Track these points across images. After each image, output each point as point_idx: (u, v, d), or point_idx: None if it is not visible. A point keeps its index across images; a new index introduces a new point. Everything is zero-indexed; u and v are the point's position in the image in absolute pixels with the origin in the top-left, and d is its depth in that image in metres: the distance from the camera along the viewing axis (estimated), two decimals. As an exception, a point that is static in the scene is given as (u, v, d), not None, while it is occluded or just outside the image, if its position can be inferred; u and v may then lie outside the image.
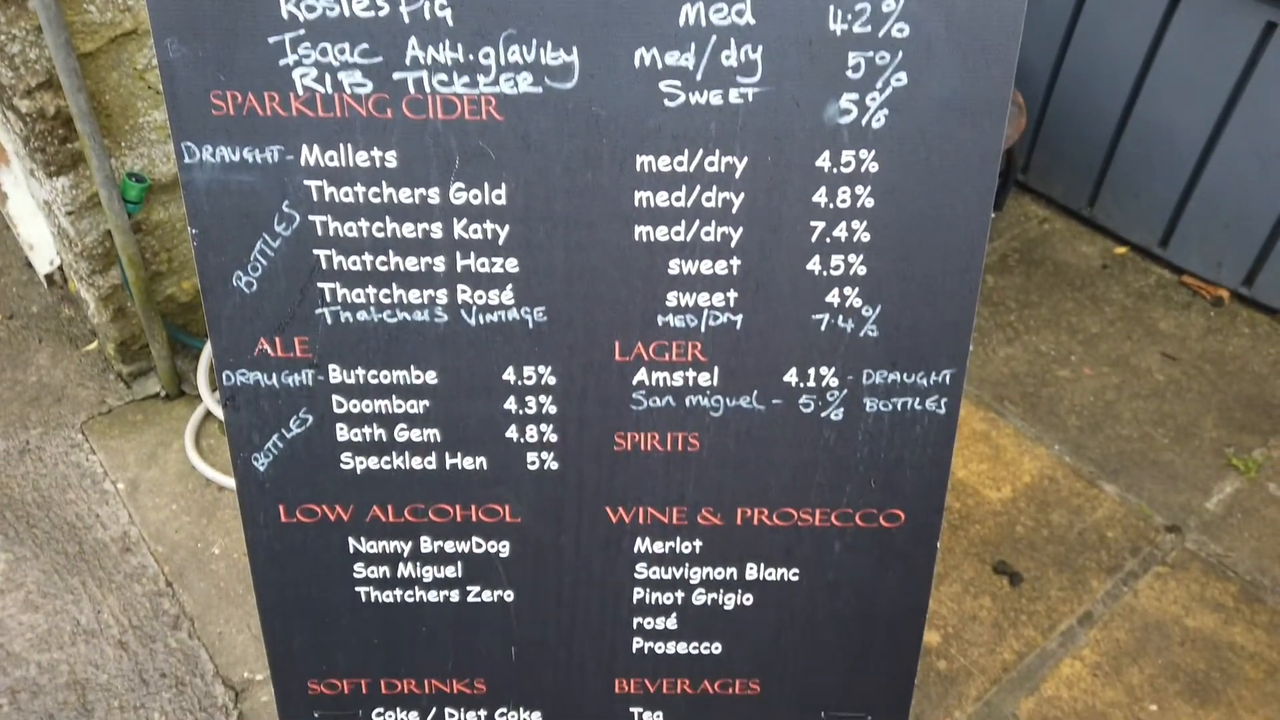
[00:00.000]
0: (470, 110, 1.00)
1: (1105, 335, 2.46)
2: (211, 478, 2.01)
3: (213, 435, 2.12)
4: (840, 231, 1.05)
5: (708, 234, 1.06)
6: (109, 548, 1.89)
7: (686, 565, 1.21)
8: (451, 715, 1.29)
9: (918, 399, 1.13)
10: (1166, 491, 2.06)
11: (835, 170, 1.03)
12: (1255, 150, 2.38)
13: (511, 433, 1.15)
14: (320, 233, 1.06)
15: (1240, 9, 2.26)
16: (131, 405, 2.20)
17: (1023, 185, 2.98)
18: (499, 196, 1.04)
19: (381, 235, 1.06)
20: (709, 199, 1.04)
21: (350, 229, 1.06)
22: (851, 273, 1.07)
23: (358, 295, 1.09)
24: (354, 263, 1.07)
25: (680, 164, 1.02)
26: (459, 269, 1.07)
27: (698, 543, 1.19)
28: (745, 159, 1.02)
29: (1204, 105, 2.43)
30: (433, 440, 1.15)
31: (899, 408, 1.13)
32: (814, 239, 1.06)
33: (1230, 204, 2.49)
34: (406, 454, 1.16)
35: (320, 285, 1.08)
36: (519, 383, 1.13)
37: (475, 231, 1.06)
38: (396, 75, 0.99)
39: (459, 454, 1.16)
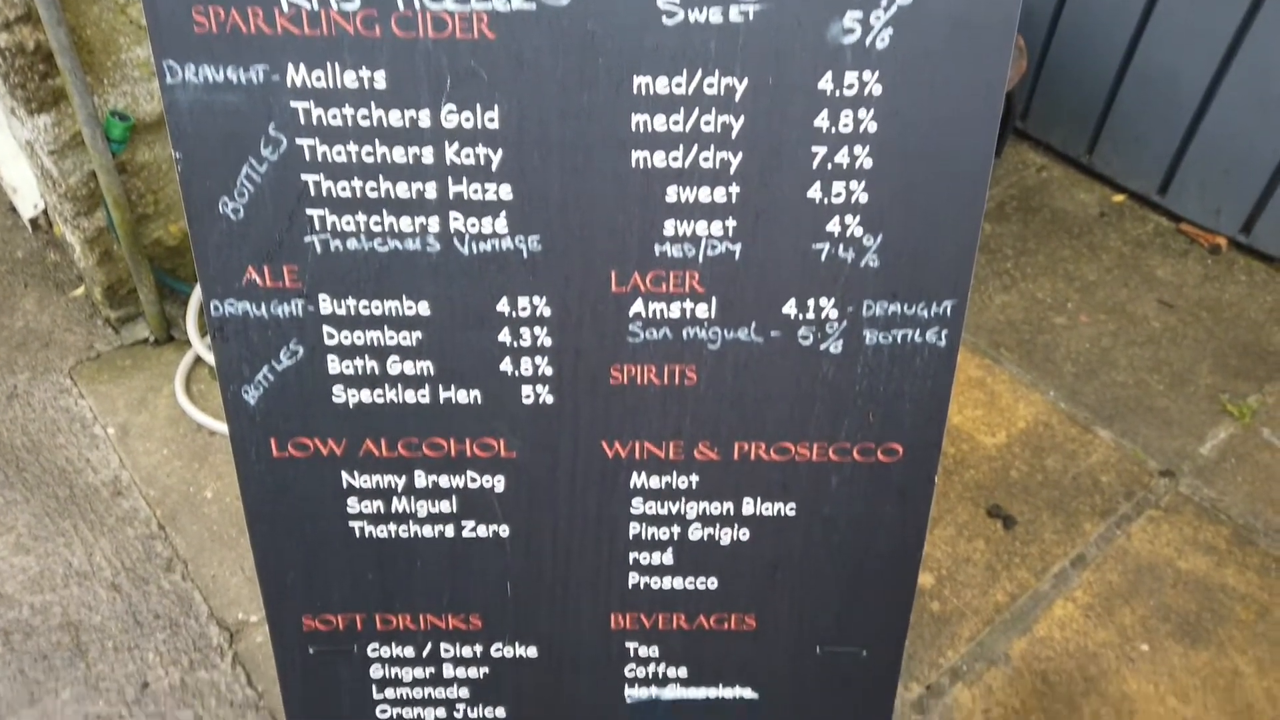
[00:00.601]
0: (462, 28, 0.96)
1: (1102, 283, 2.45)
2: (202, 422, 1.99)
3: (203, 380, 2.10)
4: (842, 157, 1.03)
5: (706, 160, 1.03)
6: (100, 491, 1.87)
7: (683, 500, 1.20)
8: (447, 651, 1.28)
9: (918, 331, 1.11)
10: (1161, 437, 2.05)
11: (838, 93, 1.00)
12: (1256, 96, 2.35)
13: (506, 365, 1.13)
14: (308, 157, 1.03)
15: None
16: (120, 350, 2.18)
17: (1021, 133, 2.94)
18: (491, 120, 1.01)
19: (371, 160, 1.03)
20: (708, 123, 1.01)
21: (339, 153, 1.03)
22: (853, 200, 1.05)
23: (347, 223, 1.06)
24: (343, 188, 1.04)
25: (678, 85, 0.99)
26: (451, 196, 1.05)
27: (694, 478, 1.18)
28: (745, 80, 0.99)
29: (1205, 51, 2.40)
30: (426, 373, 1.13)
31: (899, 340, 1.11)
32: (815, 165, 1.03)
33: (1230, 150, 2.46)
34: (399, 387, 1.14)
35: (309, 212, 1.05)
36: (513, 314, 1.11)
37: (467, 156, 1.03)
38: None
39: (453, 387, 1.14)
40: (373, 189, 1.04)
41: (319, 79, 1.00)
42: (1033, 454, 2.02)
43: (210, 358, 2.05)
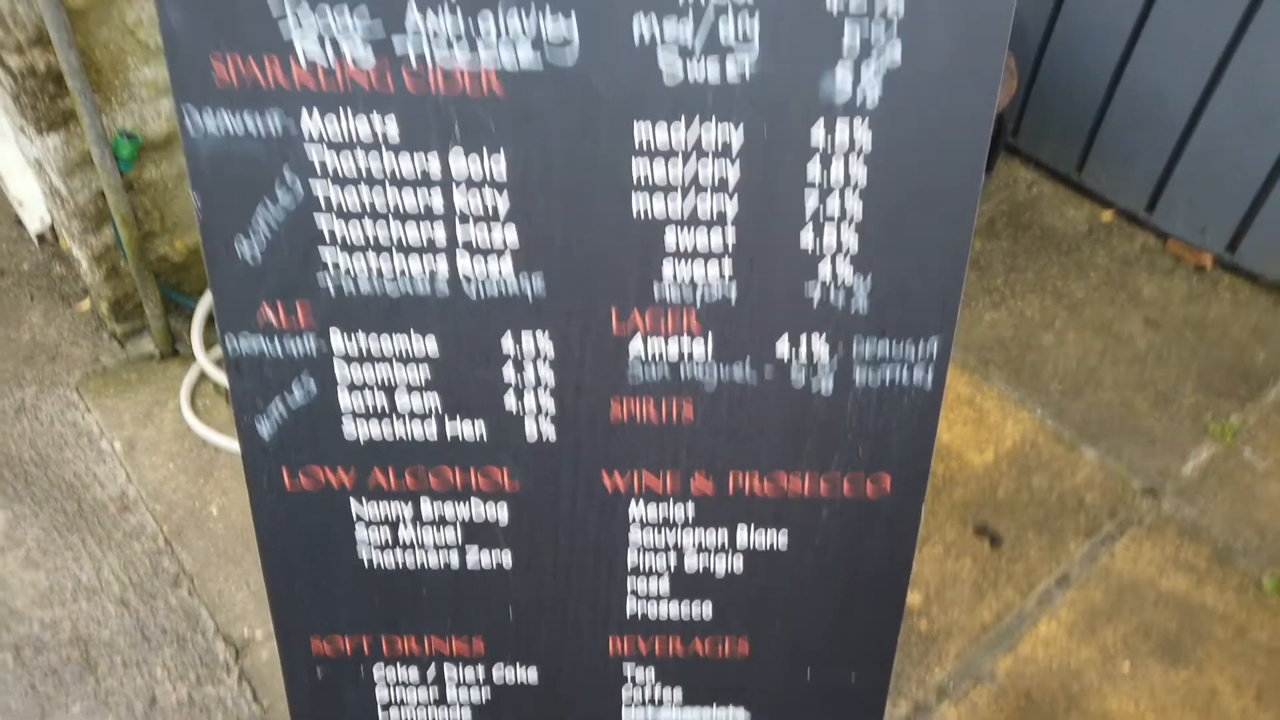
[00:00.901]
0: (471, 85, 1.01)
1: (1089, 300, 2.50)
2: (207, 438, 2.03)
3: (207, 395, 2.14)
4: (833, 206, 1.07)
5: (704, 207, 1.07)
6: (107, 506, 1.91)
7: (679, 530, 1.24)
8: (450, 671, 1.33)
9: (906, 369, 1.16)
10: (1145, 455, 2.11)
11: (830, 145, 1.04)
12: (1243, 116, 2.40)
13: (510, 401, 1.17)
14: (322, 201, 1.07)
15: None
16: (126, 364, 2.21)
17: (1012, 148, 2.99)
18: (498, 168, 1.05)
19: (382, 205, 1.07)
20: (706, 172, 1.05)
21: (351, 197, 1.07)
22: (843, 246, 1.09)
23: (359, 264, 1.10)
24: (355, 231, 1.08)
25: (678, 137, 1.03)
26: (459, 239, 1.09)
27: (690, 509, 1.23)
28: (742, 133, 1.03)
29: (1194, 69, 2.44)
30: (433, 408, 1.17)
31: (887, 377, 1.16)
32: (808, 213, 1.08)
33: (1218, 169, 2.51)
34: (407, 420, 1.18)
35: (322, 253, 1.09)
36: (518, 352, 1.15)
37: (475, 202, 1.07)
38: (398, 47, 1.00)
39: (459, 421, 1.18)
40: (384, 233, 1.08)
41: (333, 126, 1.04)
42: (1020, 472, 2.07)
43: (214, 372, 2.09)
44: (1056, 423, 2.18)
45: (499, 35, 1.00)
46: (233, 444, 1.98)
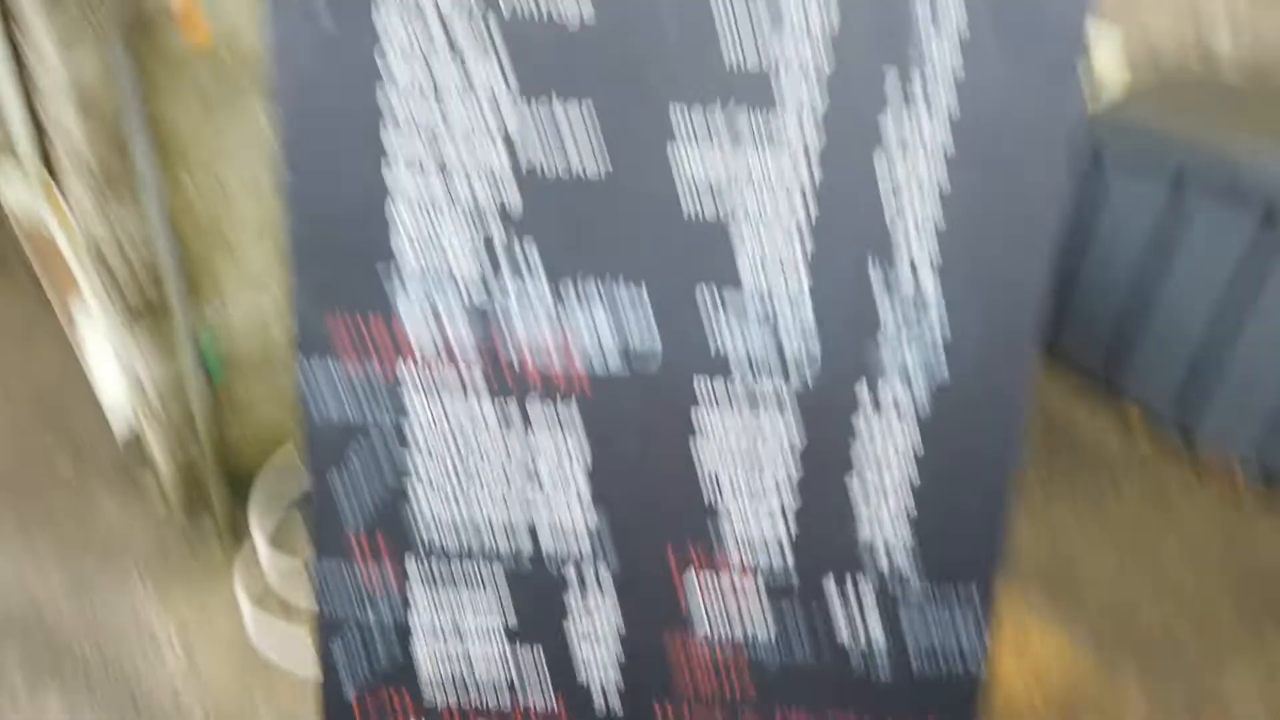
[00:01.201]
0: (564, 385, 1.16)
1: (1125, 517, 2.54)
2: (262, 646, 2.07)
3: (269, 603, 2.18)
4: (885, 474, 1.19)
5: (763, 476, 1.19)
6: (161, 703, 1.95)
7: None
8: None
9: (951, 622, 1.23)
10: (1188, 682, 2.09)
11: (875, 431, 1.17)
12: (1275, 340, 2.48)
13: (573, 639, 1.25)
14: (410, 442, 1.20)
15: (1242, 224, 2.43)
16: (191, 558, 2.29)
17: (1046, 361, 3.09)
18: (580, 449, 1.18)
19: (464, 447, 1.19)
20: (765, 446, 1.18)
21: (437, 441, 1.19)
22: (889, 502, 1.19)
23: (438, 499, 1.21)
24: (437, 471, 1.20)
25: (742, 416, 1.16)
26: (533, 479, 1.20)
27: (741, 742, 1.27)
28: (800, 419, 1.17)
29: (1223, 297, 2.55)
30: (498, 634, 1.26)
31: (933, 622, 1.23)
32: (855, 485, 1.19)
33: (1251, 387, 2.56)
34: (474, 643, 1.26)
35: (405, 486, 1.21)
36: (579, 584, 1.24)
37: (557, 474, 1.20)
38: (498, 340, 1.15)
39: (519, 648, 1.26)
40: (462, 471, 1.20)
41: (430, 383, 1.17)
42: (1063, 699, 2.05)
43: (274, 573, 2.17)
44: (1097, 647, 2.18)
45: (592, 348, 1.14)
46: (286, 657, 2.03)
